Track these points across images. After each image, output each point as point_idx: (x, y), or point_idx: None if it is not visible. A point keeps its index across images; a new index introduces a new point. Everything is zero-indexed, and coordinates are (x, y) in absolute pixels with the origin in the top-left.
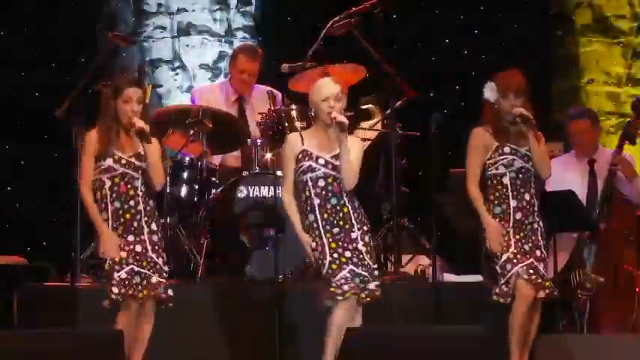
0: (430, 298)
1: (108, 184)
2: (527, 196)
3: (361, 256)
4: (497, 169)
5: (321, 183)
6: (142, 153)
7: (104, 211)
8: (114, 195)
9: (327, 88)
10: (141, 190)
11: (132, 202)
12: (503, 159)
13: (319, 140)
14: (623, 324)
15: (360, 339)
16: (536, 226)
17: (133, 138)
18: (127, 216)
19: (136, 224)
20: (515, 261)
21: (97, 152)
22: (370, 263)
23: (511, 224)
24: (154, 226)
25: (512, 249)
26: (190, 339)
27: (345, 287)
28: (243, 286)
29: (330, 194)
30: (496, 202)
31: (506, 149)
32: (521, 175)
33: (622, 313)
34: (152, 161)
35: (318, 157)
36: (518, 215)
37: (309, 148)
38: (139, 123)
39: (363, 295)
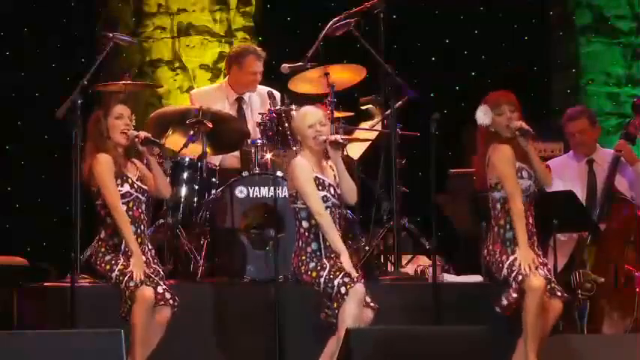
0: (430, 298)
1: (123, 208)
2: (530, 219)
3: None
4: None
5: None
6: (141, 175)
7: (117, 237)
8: (130, 220)
9: (311, 116)
10: (146, 215)
11: (142, 227)
12: (521, 184)
13: (318, 166)
14: (623, 324)
15: (361, 339)
16: (534, 240)
17: (128, 160)
18: (139, 240)
19: (142, 246)
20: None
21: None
22: None
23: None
24: (150, 244)
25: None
26: (190, 339)
27: (354, 272)
28: (243, 286)
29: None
30: (507, 227)
31: (525, 173)
32: (528, 199)
33: (622, 313)
34: (158, 172)
35: (329, 186)
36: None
37: (318, 175)
38: (142, 133)
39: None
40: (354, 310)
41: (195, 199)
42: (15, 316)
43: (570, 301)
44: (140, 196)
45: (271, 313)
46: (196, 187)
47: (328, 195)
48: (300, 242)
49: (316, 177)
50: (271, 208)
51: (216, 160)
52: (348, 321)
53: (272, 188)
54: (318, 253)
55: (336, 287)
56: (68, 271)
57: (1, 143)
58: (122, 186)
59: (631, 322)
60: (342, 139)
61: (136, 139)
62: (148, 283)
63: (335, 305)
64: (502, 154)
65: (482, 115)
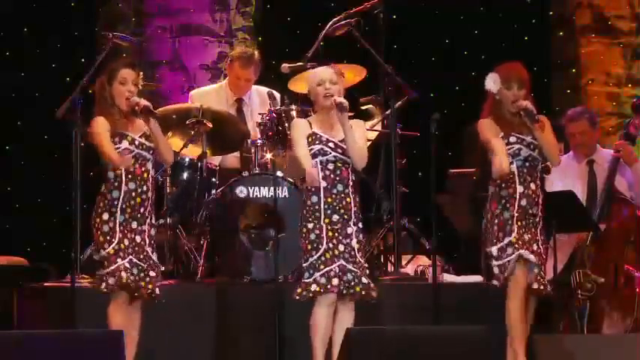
0: (430, 298)
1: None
2: (532, 185)
3: (353, 252)
4: None
5: (331, 166)
6: (148, 133)
7: (116, 190)
8: (129, 176)
9: (321, 73)
10: (151, 175)
11: (144, 187)
12: (509, 148)
13: (324, 124)
14: (623, 324)
15: (360, 339)
16: (539, 219)
17: (135, 119)
18: (138, 200)
19: (142, 210)
20: (516, 246)
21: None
22: (361, 261)
23: (516, 209)
24: (153, 219)
25: (514, 234)
26: (190, 339)
27: (334, 281)
28: (243, 286)
29: (337, 179)
30: (502, 185)
31: (512, 139)
32: (527, 164)
33: (622, 313)
34: (160, 138)
35: (328, 141)
36: (524, 202)
37: (317, 131)
38: (143, 101)
39: (358, 289)
40: (325, 311)
41: (196, 200)
42: (15, 316)
43: (568, 302)
44: (144, 153)
45: (271, 313)
46: (196, 188)
47: (326, 148)
48: (304, 195)
49: (313, 133)
50: (271, 208)
51: (216, 160)
52: (322, 323)
53: (272, 188)
54: (317, 207)
55: (312, 279)
56: (68, 271)
57: (1, 143)
58: (120, 143)
59: (631, 322)
60: (344, 101)
61: (136, 108)
62: (129, 281)
63: (299, 291)
64: (481, 127)
65: (492, 83)
